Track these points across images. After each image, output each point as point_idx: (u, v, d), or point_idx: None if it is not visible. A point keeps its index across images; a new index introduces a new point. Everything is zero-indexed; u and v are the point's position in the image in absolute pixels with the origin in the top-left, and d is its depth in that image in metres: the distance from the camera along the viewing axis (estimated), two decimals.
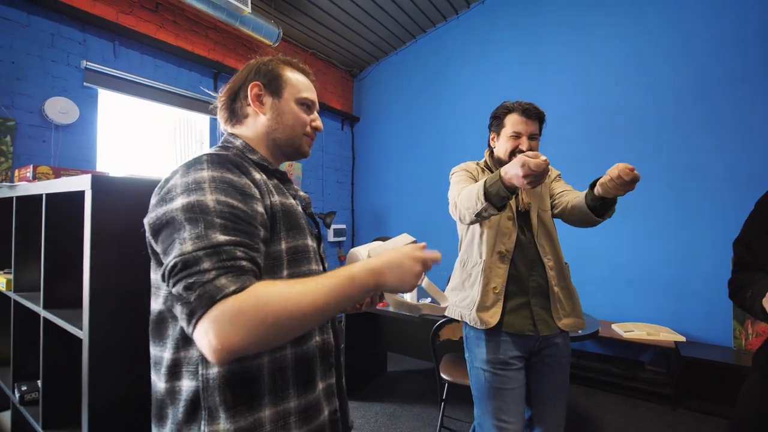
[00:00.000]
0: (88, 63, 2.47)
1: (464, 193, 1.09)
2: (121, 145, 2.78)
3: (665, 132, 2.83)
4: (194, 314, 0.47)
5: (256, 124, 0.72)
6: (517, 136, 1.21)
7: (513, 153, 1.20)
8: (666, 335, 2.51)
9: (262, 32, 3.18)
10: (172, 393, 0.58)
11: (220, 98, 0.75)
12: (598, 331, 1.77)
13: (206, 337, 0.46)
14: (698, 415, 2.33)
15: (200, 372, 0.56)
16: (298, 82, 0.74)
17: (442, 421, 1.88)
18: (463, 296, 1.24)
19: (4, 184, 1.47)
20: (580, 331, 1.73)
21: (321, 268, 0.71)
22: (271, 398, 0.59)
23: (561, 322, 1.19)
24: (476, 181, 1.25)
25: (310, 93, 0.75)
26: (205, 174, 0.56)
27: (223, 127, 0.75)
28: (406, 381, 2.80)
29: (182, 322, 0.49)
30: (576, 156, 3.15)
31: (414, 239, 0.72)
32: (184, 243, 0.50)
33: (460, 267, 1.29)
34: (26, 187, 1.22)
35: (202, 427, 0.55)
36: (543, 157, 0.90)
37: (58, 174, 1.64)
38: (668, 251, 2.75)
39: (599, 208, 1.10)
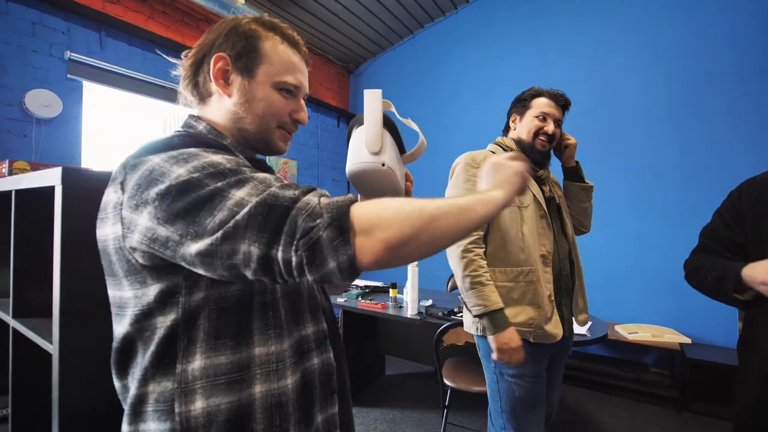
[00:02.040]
0: (72, 54, 2.35)
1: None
2: (107, 141, 2.66)
3: (671, 129, 2.78)
4: (342, 233, 0.38)
5: (221, 107, 0.56)
6: (543, 117, 1.19)
7: (537, 134, 1.18)
8: (671, 337, 2.46)
9: None
10: None
11: (182, 64, 0.58)
12: (607, 335, 1.71)
13: (368, 243, 0.38)
14: (703, 419, 2.29)
15: (177, 410, 0.45)
16: (281, 59, 0.56)
17: (445, 429, 1.80)
18: (515, 312, 1.09)
19: None
20: (588, 336, 1.67)
21: None
22: None
23: (576, 318, 1.20)
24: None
25: (293, 75, 0.57)
26: (192, 148, 0.46)
27: (185, 101, 0.61)
28: (405, 385, 2.72)
29: (327, 265, 0.38)
30: (581, 150, 3.07)
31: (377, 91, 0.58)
32: (227, 191, 0.40)
33: (495, 278, 1.11)
34: None
35: None
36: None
37: (36, 169, 1.53)
38: (674, 251, 2.69)
39: (575, 178, 1.29)
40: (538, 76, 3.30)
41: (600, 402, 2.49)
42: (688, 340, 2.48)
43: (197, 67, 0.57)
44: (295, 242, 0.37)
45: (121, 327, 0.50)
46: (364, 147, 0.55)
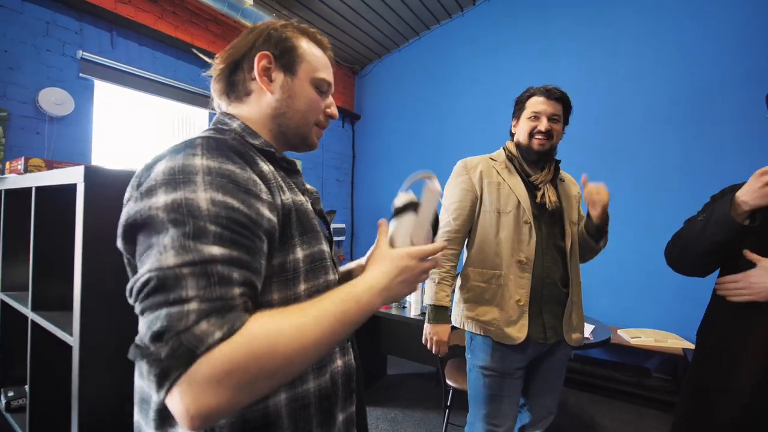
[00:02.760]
0: (84, 53, 2.39)
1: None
2: (117, 139, 2.70)
3: (677, 133, 2.78)
4: (166, 377, 0.34)
5: (260, 104, 0.58)
6: (535, 116, 1.18)
7: (531, 135, 1.17)
8: (674, 342, 2.47)
9: None
10: None
11: (216, 66, 0.60)
12: (609, 339, 1.72)
13: (181, 402, 0.34)
14: None
15: None
16: (316, 58, 0.60)
17: (446, 429, 1.82)
18: (484, 311, 1.18)
19: None
20: (591, 339, 1.69)
21: (336, 277, 0.59)
22: None
23: (568, 335, 1.18)
24: (474, 188, 1.21)
25: (327, 73, 0.61)
26: (198, 162, 0.43)
27: (217, 102, 0.62)
28: (406, 385, 2.74)
29: (148, 381, 0.36)
30: (585, 155, 3.10)
31: (438, 189, 0.60)
32: (163, 252, 0.38)
33: (473, 277, 1.21)
34: (15, 179, 1.15)
35: None
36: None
37: (50, 167, 1.56)
38: None
39: (596, 232, 1.21)
40: (543, 80, 3.31)
41: (602, 406, 2.50)
42: (691, 345, 2.48)
43: (234, 67, 0.58)
44: (149, 341, 0.36)
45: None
46: (409, 237, 0.57)
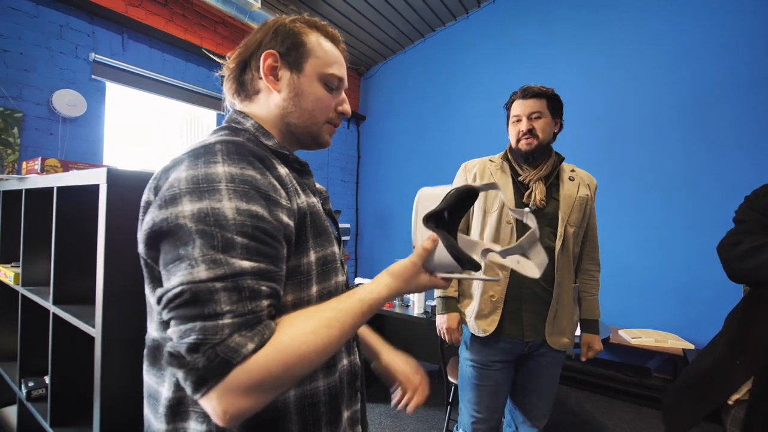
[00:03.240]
0: (96, 55, 2.45)
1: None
2: (127, 139, 2.76)
3: (678, 135, 2.79)
4: (203, 384, 0.37)
5: (269, 103, 0.57)
6: (517, 119, 1.22)
7: (519, 138, 1.20)
8: (674, 342, 2.48)
9: None
10: None
11: (227, 65, 0.60)
12: (609, 338, 1.75)
13: (218, 406, 0.38)
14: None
15: None
16: (326, 53, 0.58)
17: (448, 425, 1.86)
18: (467, 303, 1.28)
19: (13, 176, 1.45)
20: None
21: (345, 278, 0.60)
22: None
23: (552, 338, 1.19)
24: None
25: (338, 68, 0.59)
26: (221, 170, 0.44)
27: (230, 100, 0.61)
28: None
29: (183, 385, 0.39)
30: (588, 156, 3.12)
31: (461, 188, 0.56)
32: (195, 265, 0.39)
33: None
34: (36, 179, 1.20)
35: None
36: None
37: (66, 167, 1.62)
38: (678, 257, 2.72)
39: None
40: (545, 82, 3.33)
41: (602, 405, 2.52)
42: (691, 346, 2.50)
43: (243, 67, 0.58)
44: (186, 352, 0.38)
45: (151, 329, 0.52)
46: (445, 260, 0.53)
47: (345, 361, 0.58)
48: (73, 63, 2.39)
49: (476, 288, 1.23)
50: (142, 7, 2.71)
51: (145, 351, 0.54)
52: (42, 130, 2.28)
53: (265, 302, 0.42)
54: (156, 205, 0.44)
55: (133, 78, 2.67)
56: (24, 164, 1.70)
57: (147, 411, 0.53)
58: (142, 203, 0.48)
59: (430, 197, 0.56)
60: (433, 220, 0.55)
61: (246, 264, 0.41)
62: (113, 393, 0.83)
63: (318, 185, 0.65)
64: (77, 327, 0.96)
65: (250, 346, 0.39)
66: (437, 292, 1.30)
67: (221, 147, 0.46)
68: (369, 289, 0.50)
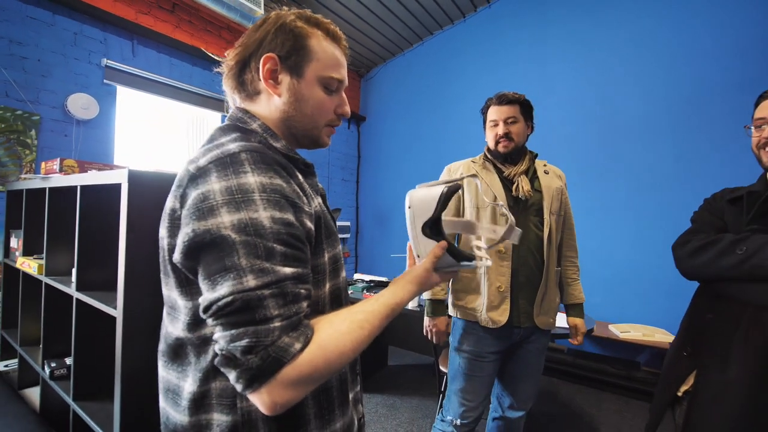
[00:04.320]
0: (108, 61, 2.58)
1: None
2: (136, 140, 2.89)
3: (671, 134, 2.87)
4: (256, 381, 0.41)
5: (269, 105, 0.58)
6: (494, 124, 1.31)
7: (497, 141, 1.30)
8: (661, 337, 2.57)
9: None
10: (199, 427, 0.51)
11: (227, 62, 0.59)
12: (593, 330, 1.84)
13: (268, 399, 0.42)
14: None
15: (239, 405, 0.50)
16: (327, 55, 0.57)
17: (440, 412, 1.96)
18: (471, 299, 1.31)
19: (37, 176, 1.57)
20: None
21: (345, 272, 0.65)
22: (318, 423, 0.55)
23: (538, 319, 1.28)
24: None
25: (339, 70, 0.59)
26: (252, 180, 0.46)
27: (231, 96, 0.61)
28: (405, 374, 2.88)
29: (234, 383, 0.43)
30: (580, 156, 3.21)
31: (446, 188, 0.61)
32: (243, 275, 0.42)
33: (461, 270, 1.34)
34: (60, 179, 1.32)
35: None
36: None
37: (82, 167, 1.75)
38: (668, 255, 2.78)
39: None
40: (542, 83, 3.43)
41: (592, 397, 2.61)
42: None
43: (243, 66, 0.58)
44: (240, 355, 0.42)
45: (174, 329, 0.54)
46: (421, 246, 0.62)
47: None
48: (86, 68, 2.52)
49: (483, 282, 1.27)
50: (151, 15, 2.84)
51: (164, 348, 0.56)
52: (57, 131, 2.40)
53: (305, 303, 0.46)
54: (193, 216, 0.45)
55: (142, 82, 2.79)
56: (43, 164, 1.83)
57: (165, 404, 0.56)
58: (168, 209, 0.51)
59: (423, 202, 0.60)
60: (431, 225, 0.60)
61: (288, 270, 0.45)
62: (132, 366, 0.95)
63: (319, 185, 0.67)
64: (98, 311, 1.08)
65: (297, 345, 0.43)
66: (426, 294, 1.35)
67: (247, 156, 0.48)
68: (392, 294, 0.56)
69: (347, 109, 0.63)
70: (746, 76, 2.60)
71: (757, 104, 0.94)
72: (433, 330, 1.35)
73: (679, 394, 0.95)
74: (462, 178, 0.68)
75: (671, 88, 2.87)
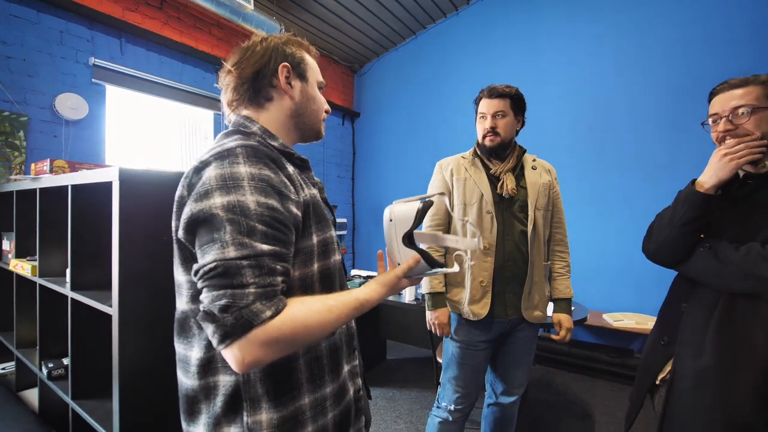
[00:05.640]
0: (96, 60, 2.55)
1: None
2: (127, 140, 2.86)
3: (660, 128, 2.90)
4: (228, 337, 0.48)
5: (281, 108, 0.68)
6: (482, 117, 1.32)
7: (484, 135, 1.31)
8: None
9: (264, 29, 3.25)
10: (207, 389, 0.59)
11: (228, 76, 0.68)
12: (586, 319, 1.87)
13: (238, 355, 0.48)
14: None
15: None
16: (315, 65, 0.73)
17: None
18: (456, 292, 1.35)
19: (27, 176, 1.55)
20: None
21: (340, 257, 0.71)
22: (310, 387, 0.62)
23: (527, 312, 1.31)
24: (446, 186, 1.36)
25: (321, 76, 0.75)
26: (243, 170, 0.53)
27: (234, 107, 0.69)
28: (404, 368, 2.91)
29: (211, 338, 0.49)
30: (574, 149, 3.23)
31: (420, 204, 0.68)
32: (226, 247, 0.49)
33: (450, 262, 1.36)
34: (50, 179, 1.31)
35: (245, 418, 0.57)
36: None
37: (73, 168, 1.73)
38: None
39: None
40: (533, 77, 3.44)
41: (587, 385, 2.66)
42: None
43: (255, 78, 0.67)
44: (218, 312, 0.49)
45: (180, 303, 0.63)
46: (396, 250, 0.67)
47: (343, 326, 0.70)
48: (74, 67, 2.48)
49: (467, 277, 1.31)
50: (139, 12, 2.80)
51: (175, 324, 0.64)
52: (46, 132, 2.38)
53: (280, 278, 0.53)
54: (192, 198, 0.54)
55: (131, 80, 2.76)
56: (33, 165, 1.81)
57: (179, 373, 0.64)
58: (177, 197, 0.59)
59: (403, 215, 0.67)
60: (408, 236, 0.66)
61: (265, 247, 0.51)
62: (129, 363, 0.95)
63: (316, 178, 0.75)
64: (94, 310, 1.08)
65: (268, 313, 0.50)
66: (425, 289, 1.37)
67: (241, 150, 0.56)
68: (364, 292, 0.63)
69: (328, 106, 0.77)
70: (737, 68, 2.62)
71: (709, 101, 0.96)
72: (435, 323, 1.37)
73: (657, 382, 0.98)
74: (433, 195, 0.75)
75: (660, 81, 2.90)
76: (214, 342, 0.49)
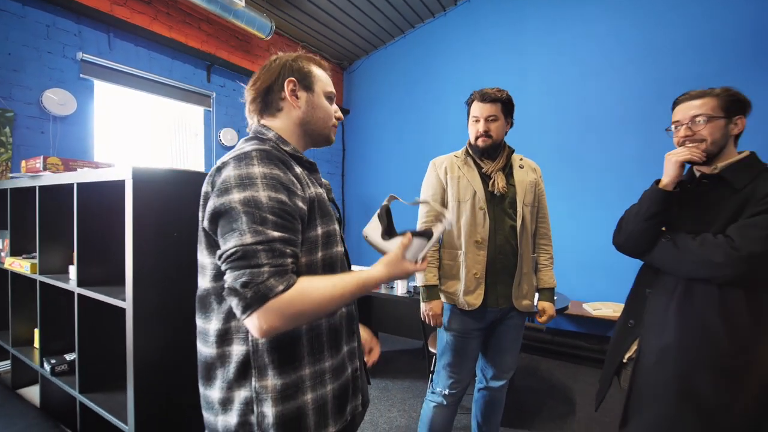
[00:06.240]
0: (84, 55, 2.51)
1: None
2: (117, 136, 2.83)
3: (636, 125, 3.05)
4: (249, 308, 0.57)
5: (291, 117, 0.77)
6: (476, 120, 1.39)
7: (477, 137, 1.38)
8: None
9: (255, 25, 3.25)
10: (222, 357, 0.67)
11: (249, 91, 0.79)
12: (567, 308, 1.99)
13: (257, 323, 0.58)
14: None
15: (250, 338, 0.66)
16: (324, 77, 0.80)
17: None
18: (451, 284, 1.43)
19: (23, 174, 1.55)
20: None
21: (343, 248, 0.79)
22: (310, 359, 0.69)
23: (517, 302, 1.40)
24: (441, 183, 1.43)
25: (331, 86, 0.82)
26: (256, 170, 0.62)
27: (252, 118, 0.79)
28: (396, 360, 3.00)
29: (235, 310, 0.59)
30: (557, 147, 3.37)
31: (443, 227, 0.80)
32: (243, 234, 0.59)
33: (444, 257, 1.45)
34: (54, 177, 1.32)
35: (253, 383, 0.66)
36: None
37: (67, 165, 1.73)
38: None
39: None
40: (518, 77, 3.55)
41: (569, 371, 2.81)
42: None
43: (267, 91, 0.77)
44: (239, 287, 0.58)
45: (203, 282, 0.71)
46: (412, 254, 0.74)
47: (343, 309, 0.78)
48: (61, 62, 2.44)
49: (461, 269, 1.39)
50: (127, 6, 2.76)
51: (197, 301, 0.72)
52: (33, 128, 2.34)
53: (289, 260, 0.62)
54: (215, 194, 0.64)
55: (120, 76, 2.73)
56: (23, 163, 1.80)
57: (199, 344, 0.72)
58: (203, 193, 0.68)
59: (371, 225, 0.79)
60: (388, 232, 0.77)
61: (276, 234, 0.61)
62: (143, 354, 0.99)
63: (324, 180, 0.84)
64: (99, 305, 1.11)
65: (280, 287, 0.59)
66: (420, 282, 1.44)
67: (256, 153, 0.65)
68: (366, 271, 0.70)
69: (340, 113, 0.85)
70: (705, 73, 2.78)
71: (673, 108, 1.07)
72: (430, 314, 1.44)
73: (624, 360, 1.07)
74: (389, 201, 0.82)
75: (640, 82, 3.04)
76: (238, 313, 0.59)
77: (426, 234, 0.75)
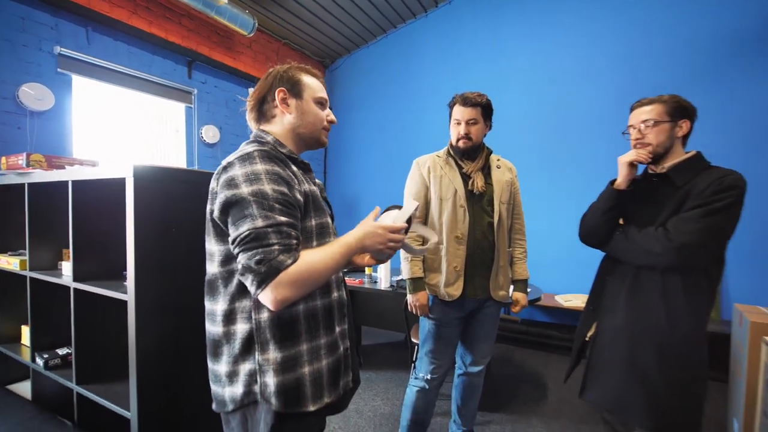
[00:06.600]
0: (61, 49, 2.46)
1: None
2: (96, 132, 2.78)
3: (608, 128, 3.24)
4: (264, 282, 0.66)
5: (283, 122, 0.86)
6: (457, 123, 1.49)
7: (458, 139, 1.49)
8: None
9: (237, 22, 3.24)
10: (228, 335, 0.76)
11: (249, 102, 0.90)
12: (540, 298, 2.15)
13: (271, 295, 0.67)
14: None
15: (253, 317, 0.75)
16: (314, 84, 0.88)
17: None
18: (433, 276, 1.53)
19: (11, 171, 1.54)
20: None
21: (333, 239, 0.86)
22: (307, 336, 0.78)
23: (495, 292, 1.52)
24: (424, 181, 1.53)
25: (323, 92, 0.90)
26: (260, 167, 0.72)
27: (253, 125, 0.89)
28: (379, 352, 3.10)
29: (250, 287, 0.67)
30: (534, 146, 3.54)
31: (418, 203, 0.91)
32: (255, 219, 0.68)
33: (429, 251, 1.53)
34: (46, 174, 1.33)
35: (256, 356, 0.74)
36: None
37: (50, 162, 1.73)
38: None
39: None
40: (498, 78, 3.70)
41: (541, 359, 2.99)
42: None
43: (262, 101, 0.87)
44: (254, 265, 0.67)
45: (212, 268, 0.79)
46: (389, 221, 0.86)
47: (336, 294, 0.87)
48: (37, 56, 2.38)
49: (442, 263, 1.49)
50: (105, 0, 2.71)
51: (205, 285, 0.81)
52: (9, 124, 2.28)
53: (294, 240, 0.72)
54: (224, 189, 0.72)
55: (99, 71, 2.68)
56: (4, 159, 1.78)
57: (207, 324, 0.81)
58: (210, 189, 0.77)
59: (401, 214, 0.88)
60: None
61: (282, 218, 0.71)
62: (144, 345, 1.05)
63: (317, 180, 0.93)
64: (93, 300, 1.15)
65: (289, 261, 0.68)
66: (406, 275, 1.52)
67: (257, 153, 0.75)
68: (345, 235, 0.80)
69: (333, 117, 0.93)
70: (679, 79, 2.97)
71: (630, 113, 1.20)
72: (416, 304, 1.54)
73: (586, 339, 1.22)
74: (388, 208, 0.93)
75: (614, 87, 3.21)
76: (253, 289, 0.68)
77: (398, 207, 0.89)
